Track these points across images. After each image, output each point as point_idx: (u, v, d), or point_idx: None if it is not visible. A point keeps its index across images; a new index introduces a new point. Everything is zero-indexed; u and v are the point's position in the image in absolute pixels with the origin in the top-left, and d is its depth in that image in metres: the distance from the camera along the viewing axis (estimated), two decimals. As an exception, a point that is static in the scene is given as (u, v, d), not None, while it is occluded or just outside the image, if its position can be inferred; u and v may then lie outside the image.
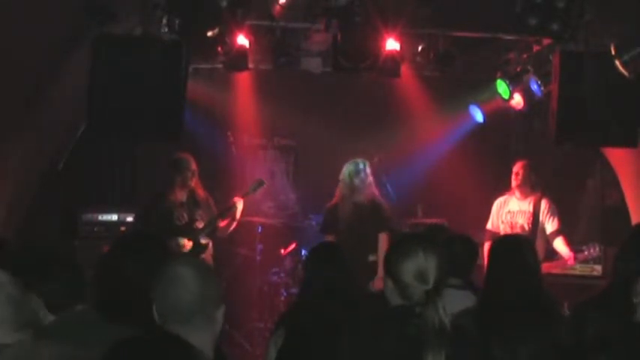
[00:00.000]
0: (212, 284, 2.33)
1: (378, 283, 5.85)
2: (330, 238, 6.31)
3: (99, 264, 2.99)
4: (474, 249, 4.32)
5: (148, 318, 2.33)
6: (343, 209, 6.39)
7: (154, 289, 2.30)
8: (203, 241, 6.36)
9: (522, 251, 3.45)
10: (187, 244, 6.25)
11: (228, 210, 6.46)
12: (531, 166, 6.51)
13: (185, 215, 6.38)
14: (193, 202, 6.42)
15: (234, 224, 6.55)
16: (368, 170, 6.44)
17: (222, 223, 6.49)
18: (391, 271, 2.68)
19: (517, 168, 6.49)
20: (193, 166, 6.39)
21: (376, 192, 6.52)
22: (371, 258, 6.27)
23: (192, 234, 6.31)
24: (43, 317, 2.72)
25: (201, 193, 6.45)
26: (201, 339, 2.27)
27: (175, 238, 6.21)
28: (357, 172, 6.39)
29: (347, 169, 6.44)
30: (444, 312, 2.56)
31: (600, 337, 3.03)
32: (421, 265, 2.60)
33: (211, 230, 6.43)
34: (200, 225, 6.37)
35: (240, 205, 6.46)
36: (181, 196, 6.38)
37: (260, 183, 6.70)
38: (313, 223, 7.56)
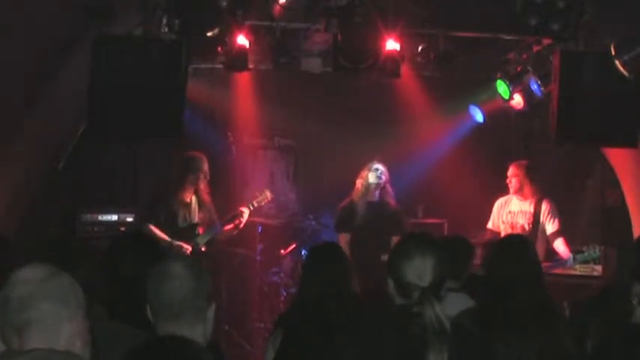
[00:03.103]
0: (203, 281, 2.34)
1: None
2: (344, 237, 6.35)
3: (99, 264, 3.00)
4: (470, 250, 4.31)
5: (146, 317, 2.34)
6: (359, 208, 6.46)
7: (147, 288, 2.31)
8: (203, 248, 6.36)
9: (525, 252, 3.45)
10: (188, 249, 6.24)
11: (234, 218, 6.48)
12: (528, 166, 6.51)
13: (188, 217, 6.36)
14: (198, 204, 6.41)
15: (236, 232, 6.57)
16: (386, 173, 6.55)
17: (226, 228, 6.49)
18: (392, 271, 2.69)
19: (509, 173, 6.50)
20: (205, 167, 6.40)
21: (392, 196, 6.59)
22: (384, 257, 6.31)
23: (193, 239, 6.30)
24: None
25: (206, 197, 6.43)
26: (192, 335, 2.27)
27: (177, 241, 6.21)
28: (376, 172, 6.51)
29: (366, 169, 6.58)
30: (442, 311, 2.57)
31: (601, 342, 3.03)
32: (419, 264, 2.61)
33: (211, 238, 6.43)
34: (201, 230, 6.36)
35: (246, 214, 6.49)
36: (188, 196, 6.38)
37: (265, 196, 6.73)
38: (313, 223, 7.58)
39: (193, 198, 6.40)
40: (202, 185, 6.40)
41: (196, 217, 6.40)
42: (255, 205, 6.65)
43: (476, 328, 3.08)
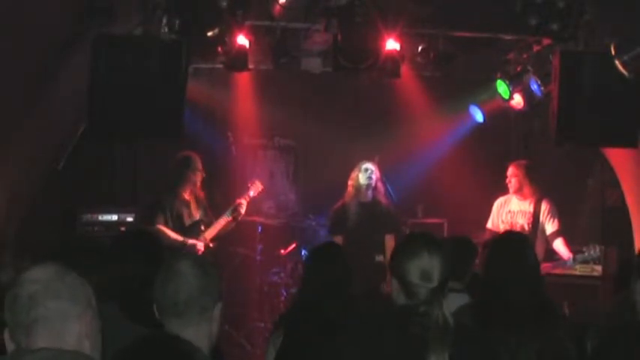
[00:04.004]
0: (211, 279, 2.32)
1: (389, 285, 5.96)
2: (338, 239, 6.35)
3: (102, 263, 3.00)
4: (473, 251, 4.30)
5: (153, 315, 2.34)
6: (351, 210, 6.45)
7: (155, 285, 2.30)
8: (211, 244, 6.39)
9: (523, 250, 3.44)
10: (200, 246, 6.26)
11: (234, 210, 6.50)
12: (527, 166, 6.51)
13: (191, 215, 6.39)
14: (196, 202, 6.44)
15: (234, 224, 6.59)
16: (376, 172, 6.51)
17: (228, 220, 6.52)
18: (397, 271, 2.69)
19: (509, 173, 6.50)
20: (201, 165, 6.45)
21: (384, 195, 6.58)
22: (377, 258, 6.33)
23: (200, 236, 6.32)
24: None
25: (201, 194, 6.49)
26: (197, 334, 2.26)
27: (189, 238, 6.24)
28: (366, 173, 6.47)
29: (356, 170, 6.54)
30: (448, 311, 2.57)
31: (601, 342, 3.03)
32: (426, 264, 2.61)
33: (217, 233, 6.46)
34: (203, 226, 6.39)
35: (244, 205, 6.53)
36: (188, 194, 6.41)
37: (257, 185, 6.75)
38: (313, 223, 7.58)
39: (191, 196, 6.43)
40: (199, 183, 6.44)
41: (197, 214, 6.43)
42: (251, 195, 6.67)
43: (474, 326, 3.08)
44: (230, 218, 6.50)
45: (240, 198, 6.60)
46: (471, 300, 3.74)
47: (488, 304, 3.28)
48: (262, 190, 6.88)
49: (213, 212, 6.55)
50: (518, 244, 3.51)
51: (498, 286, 3.28)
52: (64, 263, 2.82)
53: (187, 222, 6.35)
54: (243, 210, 6.54)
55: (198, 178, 6.42)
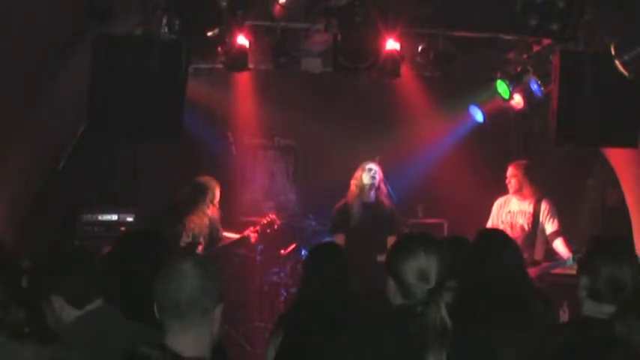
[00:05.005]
0: (212, 280, 2.32)
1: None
2: (340, 238, 6.35)
3: (105, 262, 3.00)
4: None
5: (153, 315, 2.34)
6: (354, 209, 6.46)
7: (155, 284, 2.30)
8: None
9: (503, 249, 3.43)
10: None
11: (239, 243, 6.55)
12: (527, 166, 6.51)
13: (190, 237, 6.40)
14: (201, 226, 6.46)
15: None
16: (380, 173, 6.52)
17: (230, 247, 6.59)
18: (393, 271, 2.67)
19: (508, 173, 6.50)
20: (217, 195, 6.46)
21: (386, 195, 6.59)
22: (379, 258, 6.33)
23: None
24: (65, 315, 2.74)
25: (215, 214, 6.51)
26: (198, 335, 2.27)
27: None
28: (370, 173, 6.47)
29: (360, 170, 6.54)
30: (446, 311, 2.56)
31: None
32: (423, 264, 2.60)
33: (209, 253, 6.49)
34: (200, 249, 6.42)
35: (252, 239, 6.60)
36: (197, 220, 6.42)
37: (272, 222, 6.80)
38: (313, 223, 7.58)
39: (196, 221, 6.45)
40: (210, 211, 6.46)
41: (199, 236, 6.44)
42: (260, 230, 6.75)
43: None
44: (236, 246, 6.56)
45: (249, 230, 6.64)
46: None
47: (467, 302, 3.25)
48: (279, 225, 6.89)
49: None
50: (497, 245, 3.50)
51: (475, 286, 3.26)
52: (64, 263, 2.83)
53: (182, 244, 6.35)
54: (253, 240, 6.61)
55: (209, 207, 6.44)
